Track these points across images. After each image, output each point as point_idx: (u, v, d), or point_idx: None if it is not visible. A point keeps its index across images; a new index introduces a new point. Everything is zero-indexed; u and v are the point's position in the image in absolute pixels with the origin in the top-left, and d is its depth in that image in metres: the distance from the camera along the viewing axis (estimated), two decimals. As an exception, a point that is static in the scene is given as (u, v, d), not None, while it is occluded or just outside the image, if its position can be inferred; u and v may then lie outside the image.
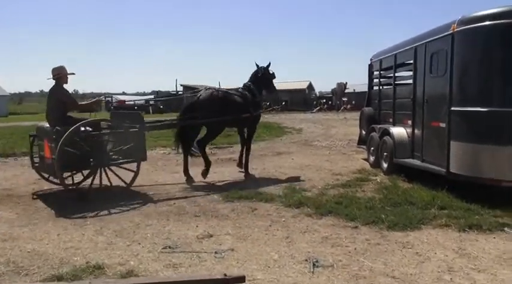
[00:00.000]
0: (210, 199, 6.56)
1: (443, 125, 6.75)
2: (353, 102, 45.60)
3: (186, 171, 8.21)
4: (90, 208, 6.03)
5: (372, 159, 9.66)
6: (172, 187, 7.45)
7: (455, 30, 6.42)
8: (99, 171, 6.79)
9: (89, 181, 6.87)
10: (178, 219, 5.56)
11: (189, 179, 8.06)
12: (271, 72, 9.34)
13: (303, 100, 45.92)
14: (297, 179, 8.20)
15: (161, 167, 9.80)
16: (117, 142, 6.91)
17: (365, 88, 37.28)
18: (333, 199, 6.41)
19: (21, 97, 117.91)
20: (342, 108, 43.75)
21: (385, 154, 8.73)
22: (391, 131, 8.45)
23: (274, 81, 9.49)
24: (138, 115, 7.75)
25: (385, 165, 8.72)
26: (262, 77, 9.18)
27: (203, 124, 8.43)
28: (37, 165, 7.41)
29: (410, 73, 8.24)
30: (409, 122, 8.20)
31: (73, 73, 7.26)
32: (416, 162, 7.75)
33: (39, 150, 7.31)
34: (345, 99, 45.75)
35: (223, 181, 8.15)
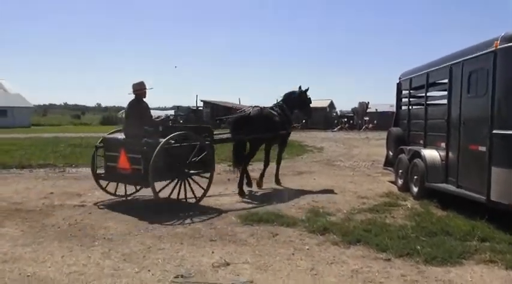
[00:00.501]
0: (227, 222, 6.13)
1: (483, 149, 6.21)
2: (375, 121, 44.91)
3: (241, 187, 8.40)
4: (100, 225, 5.68)
5: (400, 182, 9.11)
6: (186, 208, 7.03)
7: (498, 47, 5.93)
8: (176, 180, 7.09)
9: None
10: (192, 243, 5.13)
11: (242, 194, 8.26)
12: (308, 96, 9.92)
13: (324, 118, 45.19)
14: (321, 202, 7.71)
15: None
16: (195, 154, 7.14)
17: (387, 108, 36.79)
18: (360, 225, 5.90)
19: (45, 109, 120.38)
20: (364, 127, 43.06)
21: (415, 177, 8.18)
22: (422, 153, 7.91)
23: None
24: (208, 128, 8.05)
25: (415, 189, 8.17)
26: (299, 99, 9.72)
27: (259, 139, 8.75)
28: (102, 175, 7.60)
29: (445, 93, 7.75)
30: (443, 144, 7.67)
31: (151, 88, 7.54)
32: (450, 187, 7.19)
33: (107, 161, 7.48)
34: (366, 118, 45.08)
35: (242, 201, 7.72)
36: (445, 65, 7.70)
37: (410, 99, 9.69)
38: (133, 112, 7.27)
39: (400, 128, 9.98)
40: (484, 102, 6.22)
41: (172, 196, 7.00)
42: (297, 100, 9.70)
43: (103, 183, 7.70)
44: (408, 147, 8.80)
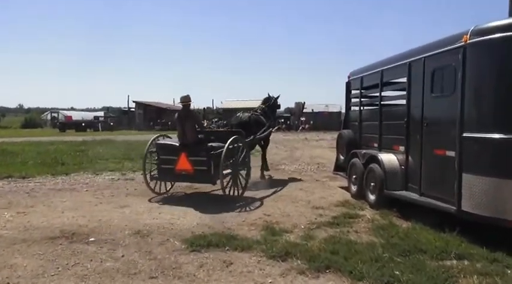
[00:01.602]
0: (169, 248, 5.09)
1: (451, 154, 5.69)
2: (311, 122, 45.40)
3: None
4: (4, 262, 4.43)
5: (354, 188, 8.53)
6: (119, 229, 5.88)
7: (468, 41, 5.41)
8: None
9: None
10: (127, 283, 4.07)
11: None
12: (278, 102, 12.14)
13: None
14: (273, 215, 6.89)
15: (107, 198, 8.18)
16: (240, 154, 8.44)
17: (322, 109, 37.17)
18: (325, 245, 5.13)
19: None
20: (301, 128, 43.22)
21: (372, 184, 7.61)
22: (379, 158, 7.34)
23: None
24: (241, 132, 8.88)
25: (372, 197, 7.59)
26: (273, 104, 11.81)
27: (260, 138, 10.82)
28: (155, 175, 8.49)
29: (403, 92, 7.24)
30: (401, 148, 7.16)
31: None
32: (412, 196, 6.65)
33: (161, 163, 8.38)
34: (303, 119, 45.33)
35: (184, 216, 6.70)
36: (402, 62, 7.17)
37: (362, 99, 9.17)
38: (189, 121, 8.35)
39: (351, 130, 9.44)
40: (452, 102, 5.69)
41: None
42: (272, 106, 11.70)
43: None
44: (363, 151, 8.22)
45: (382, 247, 5.09)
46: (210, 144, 8.11)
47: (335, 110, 48.58)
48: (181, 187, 9.36)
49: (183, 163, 8.11)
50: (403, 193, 6.92)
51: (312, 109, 46.82)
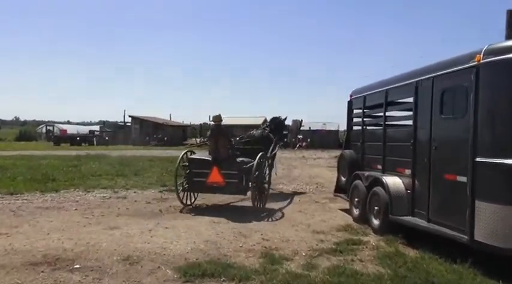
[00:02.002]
0: (160, 278, 4.68)
1: (462, 179, 5.36)
2: (308, 139, 45.11)
3: None
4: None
5: (356, 212, 8.18)
6: (107, 254, 5.48)
7: (482, 61, 5.14)
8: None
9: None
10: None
11: None
12: (286, 123, 13.09)
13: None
14: (272, 240, 6.51)
15: (97, 218, 7.77)
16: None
17: (320, 127, 36.84)
18: (329, 277, 4.75)
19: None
20: (298, 145, 42.82)
21: (375, 208, 7.26)
22: (384, 181, 7.01)
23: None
24: (262, 149, 9.94)
25: (375, 222, 7.23)
26: (281, 124, 12.63)
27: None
28: (187, 187, 9.18)
29: (409, 113, 6.95)
30: (407, 171, 6.83)
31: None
32: (419, 222, 6.29)
33: (193, 177, 9.09)
34: (300, 136, 44.93)
35: (178, 240, 6.30)
36: (409, 81, 6.89)
37: (365, 119, 8.87)
38: (222, 138, 9.25)
39: (353, 151, 9.12)
40: (463, 124, 5.39)
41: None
42: (279, 125, 12.49)
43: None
44: (366, 173, 7.89)
45: (391, 280, 4.72)
46: (240, 159, 9.12)
47: (333, 128, 48.37)
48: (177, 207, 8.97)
49: (215, 176, 8.90)
50: (410, 219, 6.56)
51: (310, 127, 46.46)
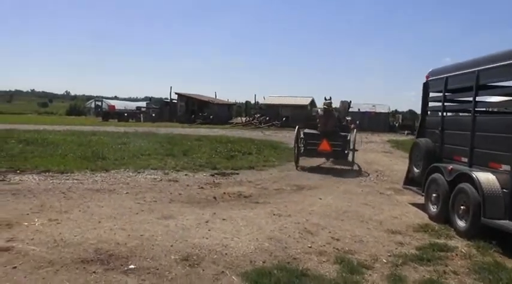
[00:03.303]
0: (225, 285, 4.06)
1: None
2: (357, 122, 43.48)
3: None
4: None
5: (433, 209, 7.27)
6: (164, 251, 4.91)
7: None
8: None
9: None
10: None
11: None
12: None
13: (305, 117, 43.66)
14: (344, 240, 5.77)
15: (149, 204, 7.28)
16: None
17: (369, 108, 35.42)
18: (424, 295, 3.97)
19: (11, 95, 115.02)
20: (346, 127, 41.48)
21: (462, 208, 6.33)
22: (475, 177, 6.05)
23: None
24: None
25: (461, 224, 6.31)
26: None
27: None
28: (303, 152, 13.04)
29: (509, 98, 5.92)
30: (505, 167, 5.84)
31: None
32: (521, 228, 5.36)
33: (307, 145, 12.90)
34: (348, 118, 43.38)
35: (238, 235, 5.68)
36: (510, 61, 5.84)
37: (446, 104, 7.83)
38: (331, 118, 13.00)
39: (429, 139, 8.13)
40: None
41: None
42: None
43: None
44: (449, 166, 6.92)
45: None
46: (341, 133, 13.02)
47: (383, 110, 46.44)
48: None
49: (325, 145, 12.59)
50: (508, 223, 5.62)
51: (359, 109, 44.69)
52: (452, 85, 7.55)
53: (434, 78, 8.25)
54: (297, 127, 13.35)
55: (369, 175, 12.29)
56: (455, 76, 7.42)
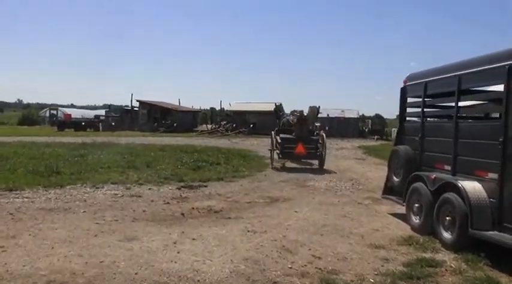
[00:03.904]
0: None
1: None
2: (326, 128, 43.76)
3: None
4: None
5: (415, 220, 7.12)
6: (127, 281, 4.47)
7: None
8: None
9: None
10: None
11: None
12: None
13: (273, 123, 43.35)
14: (326, 258, 5.49)
15: (110, 224, 6.78)
16: None
17: (338, 114, 35.83)
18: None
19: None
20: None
21: (447, 219, 6.18)
22: (461, 186, 5.92)
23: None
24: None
25: (447, 236, 6.16)
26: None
27: None
28: (280, 155, 15.51)
29: (495, 104, 5.83)
30: (491, 175, 5.74)
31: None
32: (510, 239, 5.24)
33: (284, 149, 15.09)
34: (318, 124, 43.63)
35: (210, 257, 5.30)
36: (495, 65, 5.75)
37: (426, 109, 7.73)
38: (303, 124, 15.69)
39: (409, 146, 8.00)
40: None
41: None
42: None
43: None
44: (432, 175, 6.78)
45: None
46: (313, 137, 15.75)
47: (352, 116, 46.85)
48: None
49: (300, 148, 14.90)
50: (496, 234, 5.49)
51: (328, 114, 44.98)
52: (433, 90, 7.46)
53: (412, 83, 8.15)
54: (273, 132, 16.16)
55: (333, 179, 12.13)
56: (435, 81, 7.33)
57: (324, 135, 16.40)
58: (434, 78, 7.33)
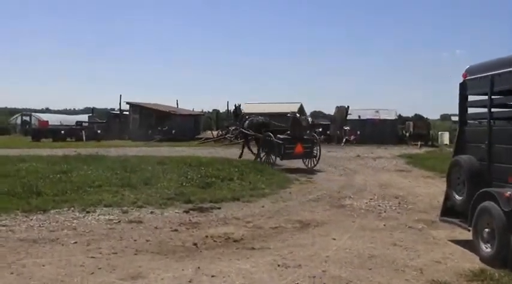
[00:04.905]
0: None
1: None
2: (358, 132, 43.63)
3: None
4: None
5: (486, 249, 6.95)
6: None
7: None
8: None
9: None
10: None
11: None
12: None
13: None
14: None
15: (108, 259, 6.73)
16: None
17: (371, 115, 35.93)
18: None
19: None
20: (344, 140, 41.59)
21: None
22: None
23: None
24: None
25: (529, 269, 5.99)
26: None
27: None
28: (281, 158, 19.76)
29: None
30: None
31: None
32: None
33: (285, 149, 19.02)
34: (347, 128, 43.70)
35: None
36: None
37: (494, 110, 7.59)
38: (301, 125, 20.21)
39: (473, 156, 7.84)
40: None
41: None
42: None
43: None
44: (506, 191, 6.61)
45: None
46: (308, 137, 20.21)
47: (389, 117, 46.51)
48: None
49: (299, 148, 19.03)
50: None
51: (359, 116, 45.04)
52: (502, 86, 7.30)
53: (474, 77, 8.01)
54: (269, 134, 19.71)
55: (386, 201, 11.98)
56: (505, 74, 7.17)
57: (316, 135, 23.12)
58: (504, 70, 7.18)
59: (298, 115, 21.89)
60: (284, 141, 18.87)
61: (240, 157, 21.99)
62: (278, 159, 19.47)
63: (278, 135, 19.47)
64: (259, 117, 23.02)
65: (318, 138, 21.10)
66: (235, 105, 27.28)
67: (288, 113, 23.27)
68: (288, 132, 19.97)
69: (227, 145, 37.06)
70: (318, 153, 19.76)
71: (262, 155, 20.34)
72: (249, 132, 22.08)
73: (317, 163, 19.53)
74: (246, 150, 22.81)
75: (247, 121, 22.62)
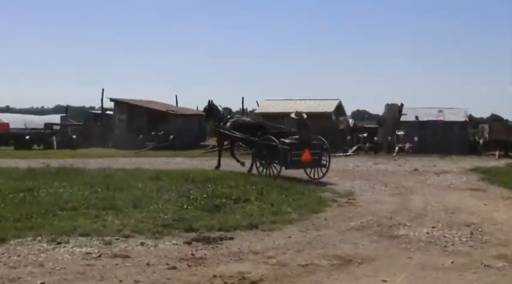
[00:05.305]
0: None
1: None
2: (415, 138, 43.26)
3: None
4: None
5: None
6: None
7: None
8: None
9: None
10: None
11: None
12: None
13: (326, 130, 42.75)
14: None
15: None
16: None
17: (434, 115, 35.91)
18: None
19: None
20: (397, 148, 41.29)
21: None
22: None
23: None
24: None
25: None
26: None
27: None
28: (287, 166, 21.05)
29: None
30: None
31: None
32: None
33: (292, 157, 20.63)
34: (401, 132, 43.43)
35: None
36: None
37: None
38: (307, 127, 21.86)
39: None
40: None
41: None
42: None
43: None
44: None
45: None
46: (316, 142, 21.61)
47: (456, 118, 46.07)
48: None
49: (307, 155, 20.32)
50: None
51: (416, 117, 44.75)
52: None
53: None
54: (270, 137, 21.11)
55: (456, 232, 11.90)
56: None
57: (324, 139, 22.60)
58: None
59: (305, 115, 22.60)
60: (290, 146, 20.31)
61: (218, 167, 24.17)
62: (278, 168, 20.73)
63: (281, 139, 20.82)
64: (245, 117, 26.07)
65: (327, 143, 22.15)
66: (209, 101, 27.12)
67: (291, 113, 24.42)
68: (295, 135, 21.44)
69: (242, 154, 37.16)
70: (328, 162, 21.20)
71: (259, 165, 21.63)
72: (237, 135, 23.44)
73: (325, 174, 21.06)
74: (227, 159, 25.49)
75: (228, 123, 24.16)
